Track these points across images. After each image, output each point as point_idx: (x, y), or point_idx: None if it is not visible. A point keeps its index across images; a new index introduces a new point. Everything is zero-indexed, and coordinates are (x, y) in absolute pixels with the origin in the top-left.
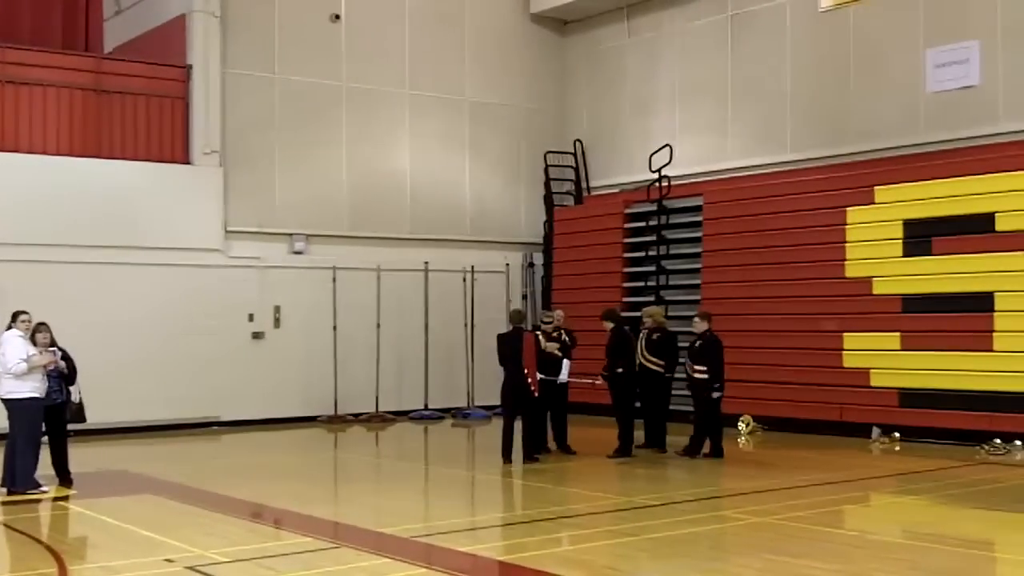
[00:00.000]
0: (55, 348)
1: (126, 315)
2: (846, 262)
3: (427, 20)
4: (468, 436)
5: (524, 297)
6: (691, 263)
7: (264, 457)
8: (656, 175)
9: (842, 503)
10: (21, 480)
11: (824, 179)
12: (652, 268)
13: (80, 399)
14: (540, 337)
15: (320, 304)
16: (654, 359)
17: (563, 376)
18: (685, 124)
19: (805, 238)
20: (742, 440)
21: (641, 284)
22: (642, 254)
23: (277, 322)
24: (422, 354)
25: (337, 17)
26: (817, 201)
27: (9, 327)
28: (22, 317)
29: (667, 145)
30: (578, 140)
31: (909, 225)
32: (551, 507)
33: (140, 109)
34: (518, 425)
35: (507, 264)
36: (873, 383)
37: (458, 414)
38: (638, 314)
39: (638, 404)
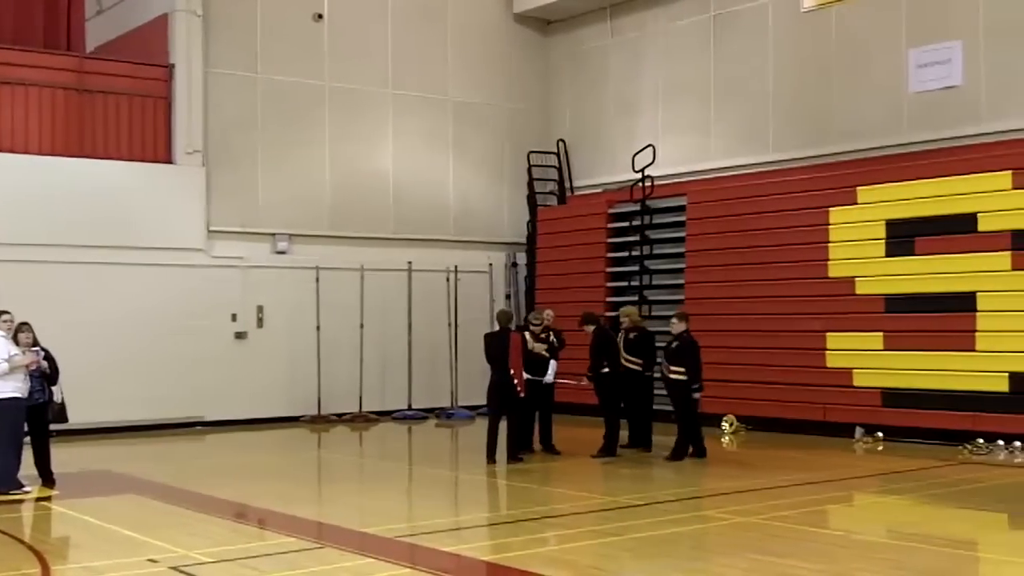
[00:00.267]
0: (37, 348)
1: (108, 314)
2: (829, 262)
3: (410, 20)
4: (452, 436)
5: (507, 297)
6: (674, 263)
7: (248, 457)
8: (639, 175)
9: (826, 503)
10: (3, 481)
11: (807, 179)
12: (635, 268)
13: (62, 399)
14: (527, 337)
15: (303, 304)
16: (633, 359)
17: (549, 377)
18: (668, 124)
19: (788, 238)
20: (726, 440)
21: (624, 284)
22: (625, 254)
23: (260, 322)
24: (405, 354)
25: (320, 16)
26: (800, 201)
27: None
28: (4, 317)
29: (650, 145)
30: (561, 140)
31: (892, 225)
32: (535, 507)
33: (122, 109)
34: (503, 425)
35: (490, 264)
36: (856, 383)
37: (442, 414)
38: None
39: (622, 404)
